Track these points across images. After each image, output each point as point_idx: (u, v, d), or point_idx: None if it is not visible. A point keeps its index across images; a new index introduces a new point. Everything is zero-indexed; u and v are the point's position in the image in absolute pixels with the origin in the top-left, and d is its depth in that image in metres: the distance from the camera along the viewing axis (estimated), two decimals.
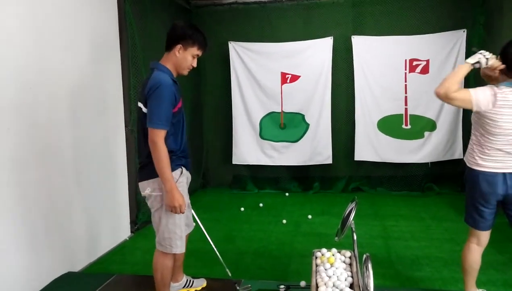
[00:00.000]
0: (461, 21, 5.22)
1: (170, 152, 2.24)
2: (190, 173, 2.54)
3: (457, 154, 5.42)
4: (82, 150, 3.36)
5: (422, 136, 5.49)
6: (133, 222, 4.10)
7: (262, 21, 5.69)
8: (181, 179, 2.34)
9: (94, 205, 3.50)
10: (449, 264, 3.25)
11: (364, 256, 2.03)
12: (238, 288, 2.69)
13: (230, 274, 2.72)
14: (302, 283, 2.71)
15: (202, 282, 2.85)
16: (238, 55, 5.62)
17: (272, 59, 5.55)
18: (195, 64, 2.37)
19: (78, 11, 3.34)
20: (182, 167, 2.38)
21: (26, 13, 2.76)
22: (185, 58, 2.31)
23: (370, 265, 1.90)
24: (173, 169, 2.25)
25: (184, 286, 2.76)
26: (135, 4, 4.09)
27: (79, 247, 3.32)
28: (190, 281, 2.80)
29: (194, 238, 3.55)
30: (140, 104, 2.30)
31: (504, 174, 2.26)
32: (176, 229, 2.32)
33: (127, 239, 3.98)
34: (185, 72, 2.38)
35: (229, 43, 5.60)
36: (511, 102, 2.20)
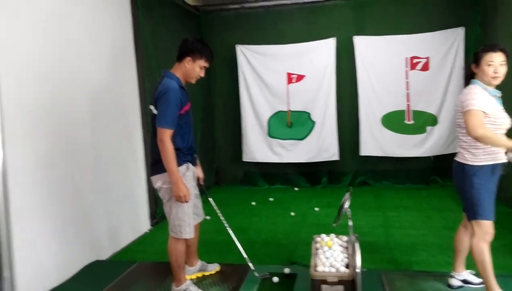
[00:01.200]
0: (460, 20, 5.43)
1: (177, 149, 2.55)
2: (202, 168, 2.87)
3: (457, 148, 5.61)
4: (104, 149, 3.70)
5: (424, 131, 5.71)
6: (152, 216, 4.44)
7: (268, 24, 5.97)
8: (188, 173, 2.65)
9: (116, 200, 3.84)
10: (444, 249, 3.49)
11: (353, 237, 2.30)
12: (256, 275, 2.93)
13: (252, 267, 2.98)
14: (286, 270, 3.03)
15: (216, 267, 3.16)
16: (245, 57, 5.91)
17: (278, 60, 5.84)
18: (202, 75, 2.69)
19: (97, 22, 3.67)
20: (189, 163, 2.68)
21: (52, 26, 3.10)
22: (194, 69, 2.63)
23: (357, 245, 2.17)
24: (180, 164, 2.57)
25: (199, 270, 3.07)
26: (147, 13, 4.41)
27: (105, 238, 3.66)
28: (204, 265, 3.11)
29: (209, 229, 3.88)
30: (151, 107, 2.62)
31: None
32: (185, 217, 2.63)
33: (147, 231, 4.32)
34: (193, 81, 2.70)
35: (236, 47, 5.90)
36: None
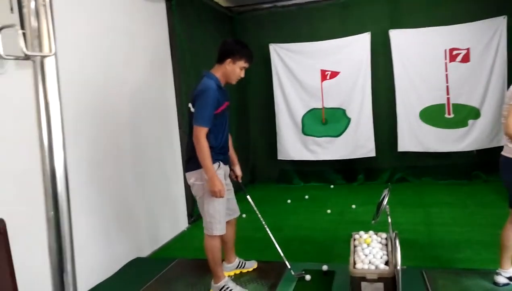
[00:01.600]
0: (502, 8, 5.17)
1: (210, 148, 2.60)
2: (230, 167, 2.93)
3: (504, 141, 5.38)
4: (143, 150, 3.82)
5: (466, 124, 5.50)
6: (189, 215, 4.53)
7: (301, 22, 5.93)
8: (219, 171, 2.69)
9: (156, 199, 3.95)
10: (490, 247, 3.35)
11: (393, 233, 2.26)
12: (293, 273, 2.93)
13: (288, 265, 2.98)
14: (324, 267, 3.00)
15: (254, 264, 3.18)
16: (279, 56, 5.91)
17: (312, 57, 5.79)
18: (242, 75, 2.75)
19: (136, 28, 3.79)
20: (220, 162, 2.72)
21: (100, 34, 3.25)
22: (234, 70, 2.69)
23: (397, 241, 2.13)
24: (211, 163, 2.61)
25: (236, 267, 3.11)
26: (182, 16, 4.50)
27: (145, 236, 3.77)
28: (242, 262, 3.15)
29: (246, 227, 3.92)
30: (190, 105, 2.70)
31: None
32: (216, 214, 2.68)
33: (185, 229, 4.42)
34: (234, 82, 2.77)
35: (269, 46, 5.90)
36: None
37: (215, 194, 2.58)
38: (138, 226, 3.67)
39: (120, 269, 3.33)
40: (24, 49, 0.71)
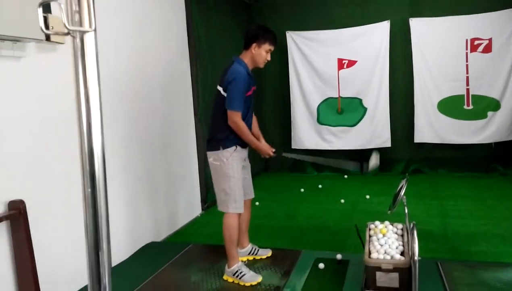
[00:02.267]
0: None
1: (227, 130, 2.75)
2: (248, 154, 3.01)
3: None
4: (162, 137, 3.85)
5: (485, 116, 5.40)
6: (203, 201, 4.56)
7: (319, 9, 5.86)
8: (235, 154, 2.80)
9: (172, 185, 4.00)
10: (506, 240, 3.32)
11: (411, 224, 2.24)
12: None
13: None
14: (338, 256, 3.01)
15: (267, 252, 3.19)
16: (296, 44, 5.85)
17: (329, 46, 5.72)
18: (269, 58, 2.87)
19: (154, 15, 3.79)
20: (238, 145, 2.81)
21: (124, 26, 3.26)
22: (260, 53, 2.80)
23: (415, 232, 2.11)
24: (228, 146, 2.76)
25: (249, 253, 3.13)
26: (200, 4, 4.48)
27: (161, 220, 3.82)
28: (255, 249, 3.16)
29: (259, 214, 3.94)
30: (219, 88, 2.80)
31: None
32: (231, 192, 2.77)
33: (199, 215, 4.45)
34: (261, 65, 2.88)
35: (286, 33, 5.85)
36: None
37: (266, 154, 2.93)
38: (154, 211, 3.71)
39: (135, 253, 3.38)
40: (66, 23, 0.71)
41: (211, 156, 2.82)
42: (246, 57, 2.83)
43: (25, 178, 2.39)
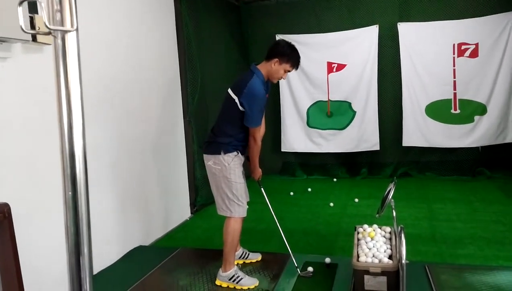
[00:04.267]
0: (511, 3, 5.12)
1: (231, 136, 2.72)
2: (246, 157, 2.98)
3: (509, 138, 5.37)
4: (151, 140, 3.81)
5: (472, 120, 5.47)
6: (192, 204, 4.53)
7: (308, 13, 5.87)
8: (236, 159, 2.77)
9: (159, 189, 3.96)
10: (493, 243, 3.36)
11: (399, 227, 2.25)
12: (299, 273, 2.88)
13: (295, 263, 2.93)
14: (327, 260, 2.99)
15: (258, 256, 3.18)
16: None
17: (318, 49, 5.74)
18: (285, 77, 2.86)
19: (143, 16, 3.76)
20: (239, 151, 2.80)
21: (103, 19, 3.21)
22: (278, 70, 2.76)
23: (403, 235, 2.12)
24: (230, 151, 2.72)
25: (240, 257, 3.11)
26: (190, 5, 4.46)
27: (148, 224, 3.78)
28: (246, 253, 3.15)
29: (249, 218, 3.90)
30: (233, 95, 2.72)
31: None
32: (234, 197, 2.76)
33: (188, 219, 4.42)
34: (275, 81, 2.86)
35: (276, 36, 5.85)
36: None
37: (256, 178, 3.07)
38: (142, 215, 3.67)
39: (122, 257, 3.34)
40: (47, 23, 0.69)
41: (210, 159, 2.77)
42: (264, 69, 2.76)
43: (10, 180, 2.35)
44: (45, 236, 2.55)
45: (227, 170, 2.72)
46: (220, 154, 2.72)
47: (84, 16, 2.95)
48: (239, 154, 2.80)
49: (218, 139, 2.76)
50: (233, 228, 2.78)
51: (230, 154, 2.73)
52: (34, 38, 2.30)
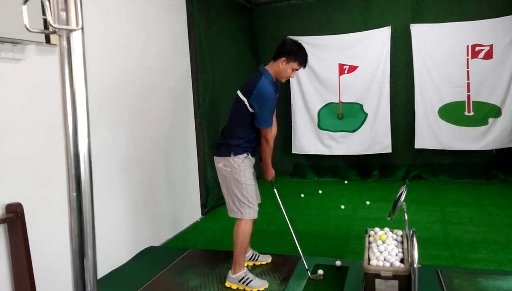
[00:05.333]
0: None
1: (240, 138, 2.72)
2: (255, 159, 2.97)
3: None
4: (162, 141, 3.84)
5: (486, 123, 5.39)
6: (203, 206, 4.55)
7: (320, 14, 5.86)
8: (246, 161, 2.77)
9: (171, 190, 3.98)
10: (507, 248, 3.29)
11: (411, 231, 2.22)
12: (310, 276, 2.87)
13: (306, 266, 2.92)
14: (338, 262, 2.97)
15: (268, 258, 3.17)
16: None
17: (330, 51, 5.72)
18: (293, 76, 2.83)
19: (155, 16, 3.79)
20: (249, 153, 2.80)
21: (117, 19, 3.24)
22: (286, 70, 2.74)
23: (415, 239, 2.09)
24: (240, 153, 2.72)
25: (250, 259, 3.11)
26: (201, 6, 4.48)
27: (159, 225, 3.80)
28: (256, 255, 3.14)
29: (259, 220, 3.90)
30: (242, 97, 2.71)
31: None
32: (244, 199, 2.75)
33: (199, 220, 4.43)
34: (283, 80, 2.82)
35: (287, 38, 5.83)
36: None
37: (269, 179, 3.03)
38: (153, 215, 3.69)
39: (133, 258, 3.36)
40: (51, 22, 0.69)
41: (221, 161, 2.77)
42: (272, 69, 2.75)
43: (23, 181, 2.38)
44: (56, 236, 2.58)
45: (237, 171, 2.72)
46: (230, 155, 2.72)
47: (97, 18, 3.00)
48: (249, 155, 2.80)
49: (228, 141, 2.76)
50: (244, 230, 2.77)
51: (240, 156, 2.72)
52: (47, 40, 2.33)
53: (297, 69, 2.78)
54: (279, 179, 6.09)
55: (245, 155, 2.76)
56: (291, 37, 5.75)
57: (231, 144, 2.74)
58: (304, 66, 2.81)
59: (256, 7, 6.09)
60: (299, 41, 2.81)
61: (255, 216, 2.82)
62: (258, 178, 2.93)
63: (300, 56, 2.73)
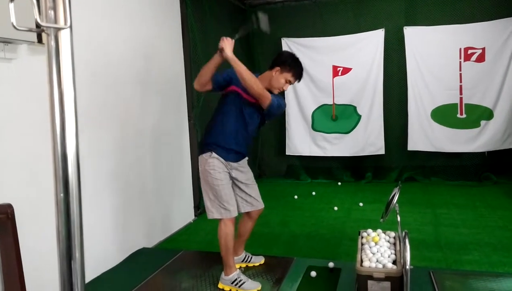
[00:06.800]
0: None
1: (215, 137, 2.78)
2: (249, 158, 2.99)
3: None
4: (154, 142, 3.81)
5: (478, 125, 5.43)
6: (196, 207, 4.53)
7: (314, 16, 5.87)
8: (211, 160, 2.73)
9: (164, 191, 3.96)
10: (499, 249, 3.32)
11: (403, 232, 2.23)
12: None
13: None
14: (330, 264, 2.98)
15: (260, 259, 3.16)
16: (290, 50, 5.85)
17: (324, 53, 5.74)
18: (286, 88, 2.80)
19: (148, 18, 3.77)
20: (212, 151, 2.73)
21: (108, 20, 3.22)
22: (279, 80, 2.74)
23: (407, 240, 2.10)
24: (206, 151, 2.75)
25: (242, 260, 3.10)
26: (195, 8, 4.47)
27: (151, 227, 3.77)
28: (249, 256, 3.13)
29: None
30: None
31: None
32: (216, 198, 2.71)
33: (191, 221, 4.42)
34: (275, 91, 2.78)
35: (282, 40, 5.86)
36: None
37: (222, 44, 2.71)
38: (145, 217, 3.67)
39: (125, 259, 3.33)
40: (39, 20, 0.68)
41: (199, 160, 2.81)
42: (265, 79, 2.75)
43: (13, 181, 2.35)
44: (47, 237, 2.55)
45: (207, 170, 2.70)
46: (201, 154, 2.77)
47: (88, 19, 2.98)
48: (214, 153, 2.71)
49: (204, 140, 2.82)
50: (224, 231, 2.73)
51: (209, 154, 2.71)
52: (39, 40, 2.31)
53: (290, 82, 2.76)
54: (272, 180, 6.17)
55: (209, 153, 2.71)
56: (285, 39, 5.83)
57: (204, 143, 2.80)
58: (299, 79, 2.80)
59: (251, 8, 6.08)
60: (293, 43, 2.81)
61: (233, 214, 2.74)
62: (256, 178, 2.91)
63: (294, 68, 2.74)
